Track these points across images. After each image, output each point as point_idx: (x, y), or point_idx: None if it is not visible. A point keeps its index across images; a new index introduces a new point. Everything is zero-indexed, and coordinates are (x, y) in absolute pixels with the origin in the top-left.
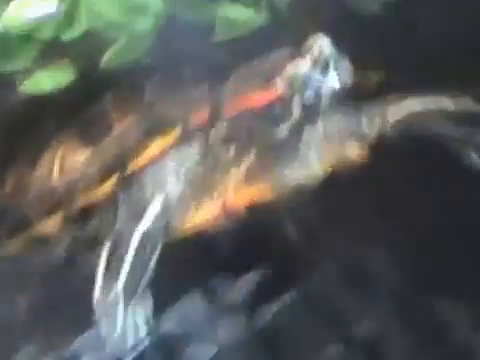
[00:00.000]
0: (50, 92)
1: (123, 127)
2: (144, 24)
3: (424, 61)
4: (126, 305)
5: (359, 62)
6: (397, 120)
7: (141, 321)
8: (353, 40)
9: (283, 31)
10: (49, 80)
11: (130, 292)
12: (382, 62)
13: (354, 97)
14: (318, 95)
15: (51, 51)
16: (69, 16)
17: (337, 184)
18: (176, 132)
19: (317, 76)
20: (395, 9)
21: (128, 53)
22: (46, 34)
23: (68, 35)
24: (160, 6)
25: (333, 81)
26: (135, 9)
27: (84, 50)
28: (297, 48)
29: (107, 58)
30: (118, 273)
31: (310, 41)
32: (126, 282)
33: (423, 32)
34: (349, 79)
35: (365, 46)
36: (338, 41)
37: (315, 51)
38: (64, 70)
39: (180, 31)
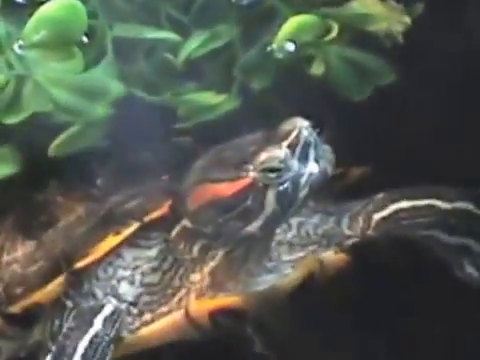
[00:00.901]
0: None
1: (71, 219)
2: (102, 111)
3: (414, 156)
4: None
5: (342, 154)
6: (382, 218)
7: None
8: (336, 129)
9: (257, 116)
10: None
11: None
12: (368, 155)
13: (335, 193)
14: (295, 188)
15: None
16: (14, 98)
17: (312, 292)
18: (131, 228)
19: (295, 165)
20: (385, 97)
21: (81, 141)
22: None
23: (12, 119)
24: (121, 91)
25: (313, 172)
26: (93, 94)
27: (30, 135)
28: (272, 132)
29: (56, 145)
30: None
31: (286, 124)
32: None
33: (415, 123)
34: (331, 170)
35: (349, 137)
36: (319, 129)
37: (292, 136)
38: (6, 159)
39: (138, 112)
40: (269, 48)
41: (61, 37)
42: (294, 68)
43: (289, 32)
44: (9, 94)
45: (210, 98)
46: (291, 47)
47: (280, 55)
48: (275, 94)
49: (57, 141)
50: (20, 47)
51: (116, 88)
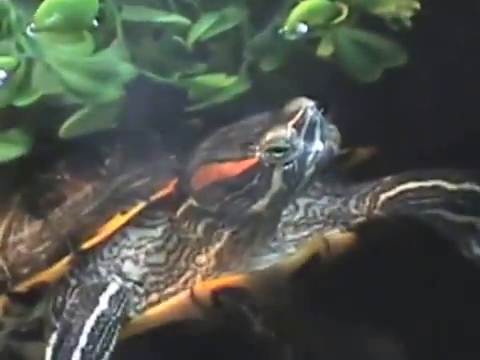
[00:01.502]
0: None
1: (78, 198)
2: (113, 93)
3: (421, 138)
4: None
5: (349, 135)
6: (389, 198)
7: None
8: (343, 110)
9: (266, 97)
10: None
11: None
12: (375, 136)
13: (342, 174)
14: (301, 167)
15: (3, 118)
16: (24, 81)
17: (318, 272)
18: (137, 207)
19: (300, 145)
20: (395, 78)
21: (91, 123)
22: None
23: (23, 101)
24: (132, 73)
25: (319, 150)
26: (103, 76)
27: (40, 117)
28: (277, 112)
29: (66, 128)
30: None
31: (292, 104)
32: None
33: (424, 104)
34: (337, 149)
35: (357, 117)
36: (326, 110)
37: (298, 116)
38: (16, 141)
39: (148, 94)
40: (281, 30)
41: (73, 21)
42: (304, 50)
43: (301, 14)
44: (20, 77)
45: (220, 81)
46: (304, 29)
47: (292, 37)
48: (284, 76)
49: (67, 123)
50: (32, 30)
51: (126, 70)
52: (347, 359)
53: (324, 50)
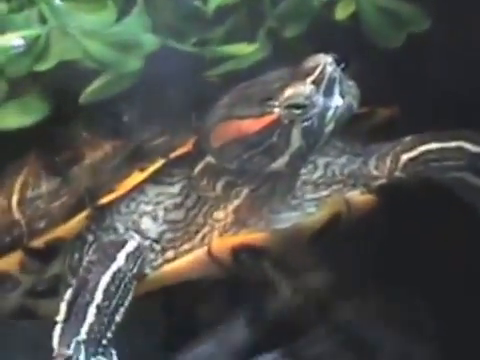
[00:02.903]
0: None
1: (96, 156)
2: (134, 63)
3: (444, 100)
4: (88, 358)
5: (370, 95)
6: (410, 159)
7: None
8: (364, 71)
9: (286, 63)
10: (17, 116)
11: (93, 345)
12: (396, 97)
13: (362, 133)
14: (321, 123)
15: (24, 83)
16: (44, 48)
17: (338, 233)
18: (157, 164)
19: (320, 101)
20: (417, 39)
21: (112, 89)
22: (18, 69)
23: (43, 66)
24: (155, 44)
25: (338, 106)
26: (126, 47)
27: (59, 82)
28: (296, 68)
29: (87, 94)
30: (81, 323)
31: (311, 61)
32: (89, 333)
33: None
34: (357, 105)
35: (378, 78)
36: (346, 66)
37: (317, 72)
38: (36, 104)
39: (167, 56)
40: None
41: None
42: (326, 16)
43: None
44: (41, 45)
45: (240, 49)
46: None
47: (316, 2)
48: (305, 42)
49: (88, 90)
50: None
51: (149, 41)
52: (364, 321)
53: (342, 13)
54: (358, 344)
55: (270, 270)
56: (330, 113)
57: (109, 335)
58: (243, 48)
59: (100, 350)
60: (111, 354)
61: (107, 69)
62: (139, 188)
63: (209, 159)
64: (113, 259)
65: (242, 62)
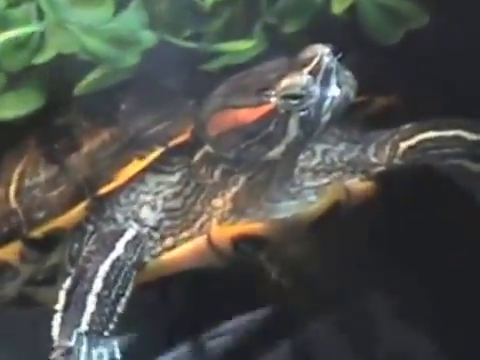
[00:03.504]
0: None
1: (95, 144)
2: (131, 59)
3: (441, 89)
4: (90, 350)
5: (367, 84)
6: (409, 147)
7: None
8: (362, 62)
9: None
10: (13, 107)
11: (95, 336)
12: (393, 86)
13: (360, 121)
14: (317, 113)
15: (20, 75)
16: (41, 41)
17: (337, 221)
18: (155, 153)
19: (316, 92)
20: (416, 38)
21: (107, 82)
22: (16, 62)
23: (40, 59)
24: (152, 40)
25: (335, 96)
26: (124, 43)
27: (57, 72)
28: (293, 59)
29: (83, 86)
30: (81, 313)
31: (307, 51)
32: (91, 324)
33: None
34: (353, 95)
35: (376, 69)
36: (343, 57)
37: (314, 62)
38: (32, 95)
39: (165, 48)
40: None
41: None
42: (324, 11)
43: None
44: (39, 38)
45: (236, 45)
46: None
47: None
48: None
49: (84, 82)
50: None
51: (147, 37)
52: (364, 309)
53: (338, 7)
54: (358, 337)
55: (266, 260)
56: (327, 103)
57: (111, 326)
58: (239, 45)
59: (102, 341)
60: (113, 346)
61: (104, 64)
62: (139, 177)
63: (207, 148)
64: (112, 248)
65: (239, 57)
